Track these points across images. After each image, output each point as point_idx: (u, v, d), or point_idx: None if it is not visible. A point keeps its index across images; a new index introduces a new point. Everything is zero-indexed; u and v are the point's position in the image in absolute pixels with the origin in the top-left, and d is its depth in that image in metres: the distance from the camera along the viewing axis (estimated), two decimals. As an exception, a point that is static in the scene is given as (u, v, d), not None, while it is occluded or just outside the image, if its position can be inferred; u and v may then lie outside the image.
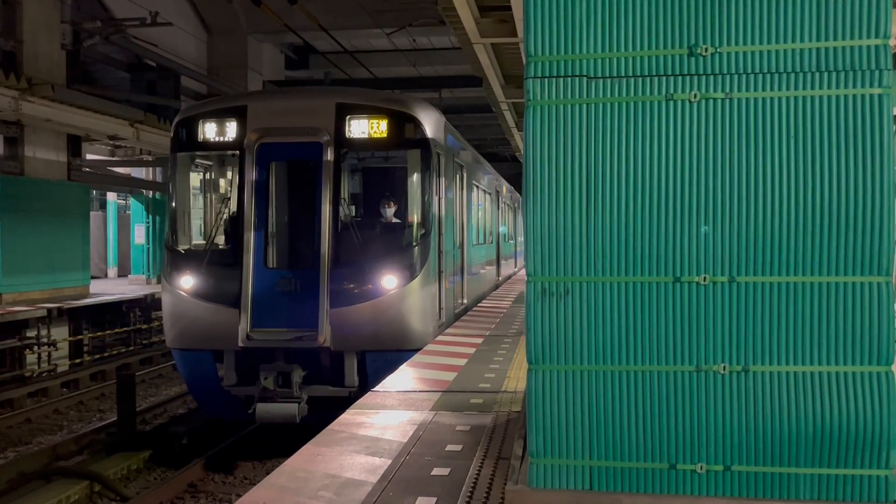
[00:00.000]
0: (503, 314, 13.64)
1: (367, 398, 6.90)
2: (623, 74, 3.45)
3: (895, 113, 3.59)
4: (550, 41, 3.47)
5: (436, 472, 4.79)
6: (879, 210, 3.30)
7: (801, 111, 3.36)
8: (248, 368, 9.79)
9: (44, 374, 15.33)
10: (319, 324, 9.48)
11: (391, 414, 6.32)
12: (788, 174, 3.35)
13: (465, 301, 13.64)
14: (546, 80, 3.48)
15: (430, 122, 10.48)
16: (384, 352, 9.73)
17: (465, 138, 16.99)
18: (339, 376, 9.80)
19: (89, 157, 21.57)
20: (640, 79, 3.44)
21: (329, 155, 9.85)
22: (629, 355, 3.44)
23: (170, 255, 10.40)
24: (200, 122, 10.32)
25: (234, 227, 10.12)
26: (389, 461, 5.02)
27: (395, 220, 10.86)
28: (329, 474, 4.77)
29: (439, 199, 10.82)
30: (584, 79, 3.46)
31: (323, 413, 7.65)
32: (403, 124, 10.12)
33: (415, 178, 10.45)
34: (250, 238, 9.75)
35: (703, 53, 3.40)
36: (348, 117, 9.98)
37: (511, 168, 37.78)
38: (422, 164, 10.32)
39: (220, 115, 10.31)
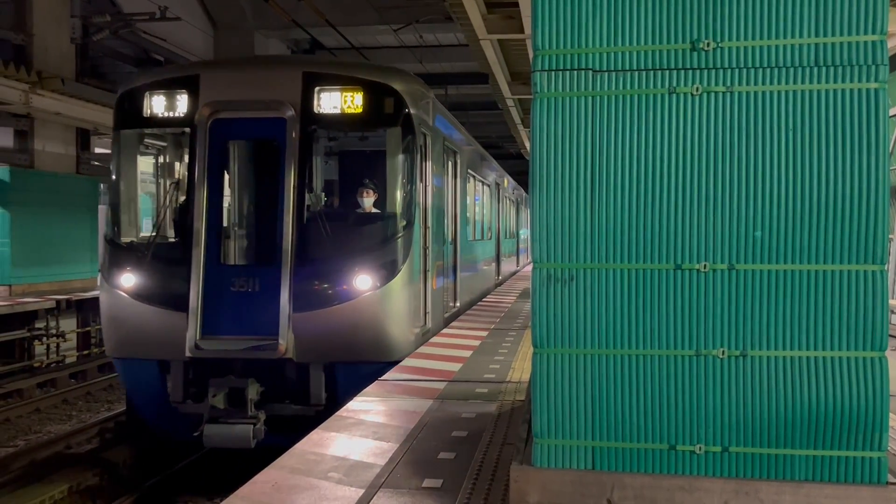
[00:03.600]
0: (507, 309, 13.76)
1: (375, 387, 7.03)
2: (627, 68, 3.55)
3: (891, 107, 3.70)
4: (557, 35, 3.58)
5: (442, 455, 4.92)
6: (874, 201, 3.40)
7: (799, 104, 3.46)
8: (198, 382, 8.45)
9: (52, 365, 15.50)
10: (280, 331, 8.15)
11: (398, 401, 6.44)
12: (787, 165, 3.46)
13: (457, 304, 12.37)
14: (552, 73, 3.59)
15: (415, 97, 9.06)
16: (357, 364, 8.37)
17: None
18: (304, 392, 8.44)
19: (98, 150, 21.73)
20: (644, 72, 3.55)
21: (294, 133, 8.46)
22: (631, 339, 3.55)
23: (109, 249, 8.94)
24: (146, 94, 8.84)
25: (183, 216, 8.70)
26: (397, 445, 5.14)
27: (375, 210, 9.37)
28: (338, 457, 4.90)
29: (425, 186, 9.52)
30: (590, 72, 3.57)
31: (284, 436, 6.70)
32: (382, 98, 8.69)
33: (395, 161, 8.91)
34: (201, 230, 8.42)
35: (705, 48, 3.51)
36: (317, 89, 8.59)
37: (517, 165, 37.88)
38: (403, 146, 8.84)
39: (168, 87, 8.85)
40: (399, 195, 8.86)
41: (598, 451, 3.59)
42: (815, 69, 3.45)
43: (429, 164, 9.67)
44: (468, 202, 13.92)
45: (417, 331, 9.21)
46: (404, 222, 8.77)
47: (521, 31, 12.41)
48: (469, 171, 13.99)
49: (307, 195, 8.71)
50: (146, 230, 9.76)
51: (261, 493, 4.27)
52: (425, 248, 9.44)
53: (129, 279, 8.62)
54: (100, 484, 9.01)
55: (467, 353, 8.80)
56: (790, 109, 3.47)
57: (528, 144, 25.00)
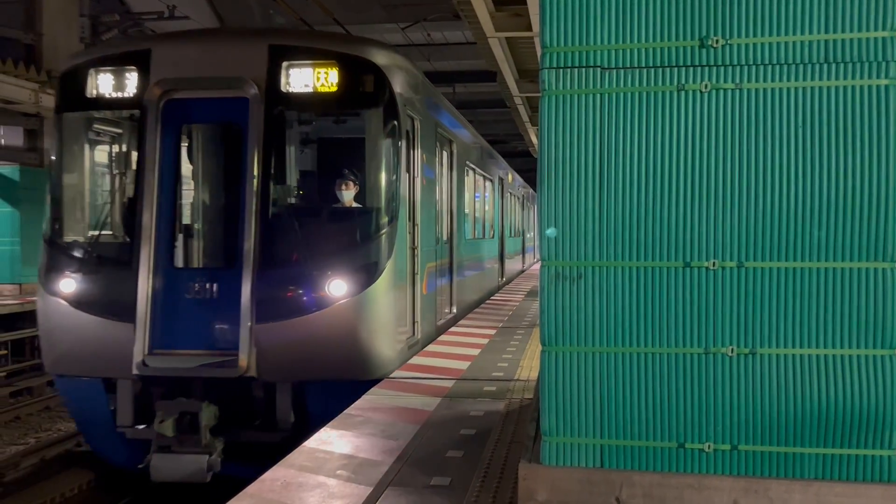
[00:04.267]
0: (515, 308, 13.75)
1: (384, 385, 7.03)
2: (636, 65, 3.54)
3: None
4: (565, 32, 3.57)
5: (450, 453, 4.92)
6: (885, 198, 3.38)
7: (809, 101, 3.44)
8: (148, 403, 7.38)
9: (62, 363, 15.55)
10: (241, 345, 7.06)
11: (406, 399, 6.45)
12: (796, 162, 3.44)
13: (453, 310, 11.33)
14: (561, 70, 3.58)
15: (400, 75, 7.93)
16: (331, 383, 7.32)
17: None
18: (269, 415, 7.40)
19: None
20: (653, 69, 3.54)
21: (258, 115, 7.37)
22: (640, 337, 3.54)
23: (48, 250, 7.79)
24: (91, 72, 7.75)
25: (131, 212, 7.63)
26: (405, 443, 5.15)
27: (355, 205, 8.27)
28: (346, 454, 4.91)
29: (413, 178, 8.44)
30: (598, 69, 3.56)
31: (247, 466, 6.06)
32: (360, 75, 7.57)
33: (376, 147, 7.80)
34: (151, 227, 7.34)
35: (714, 45, 3.49)
36: (285, 65, 7.49)
37: (524, 163, 37.85)
38: (386, 130, 7.72)
39: (115, 63, 7.75)
40: (380, 187, 7.72)
41: (606, 450, 3.58)
42: (826, 66, 3.43)
43: (417, 152, 8.64)
44: (466, 197, 13.01)
45: (403, 343, 8.14)
46: (387, 218, 7.63)
47: (529, 28, 12.41)
48: (468, 163, 13.01)
49: (273, 187, 7.65)
50: (94, 228, 8.29)
51: (269, 490, 4.27)
52: (413, 248, 8.45)
53: (68, 284, 7.48)
54: (110, 481, 9.04)
55: (475, 352, 8.80)
56: (800, 106, 3.45)
57: (536, 142, 24.98)
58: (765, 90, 3.46)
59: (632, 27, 3.54)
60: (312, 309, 7.24)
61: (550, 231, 3.56)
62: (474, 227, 14.19)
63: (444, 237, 10.74)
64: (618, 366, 3.56)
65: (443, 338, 9.87)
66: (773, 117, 3.45)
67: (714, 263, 3.50)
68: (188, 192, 8.50)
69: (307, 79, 7.52)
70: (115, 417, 7.45)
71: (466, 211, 13.00)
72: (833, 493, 3.40)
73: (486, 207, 16.10)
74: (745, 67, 3.47)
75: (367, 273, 7.39)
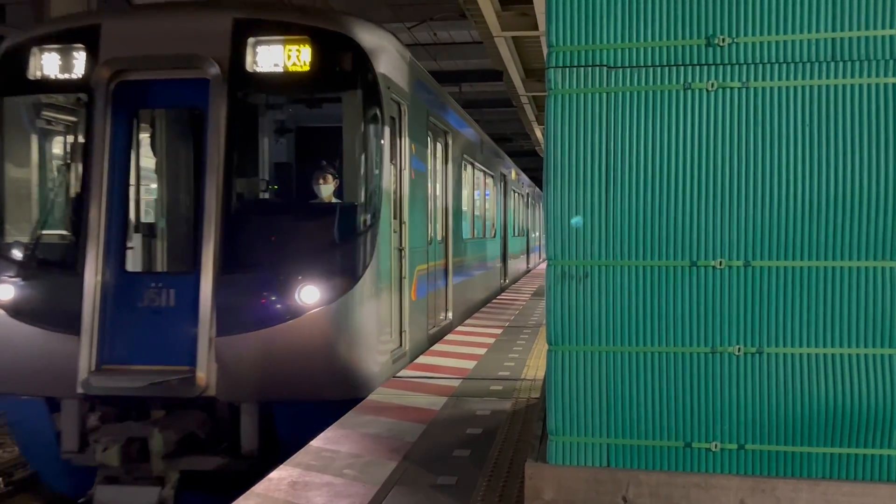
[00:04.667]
0: (522, 307, 13.75)
1: (390, 383, 7.03)
2: (642, 64, 3.54)
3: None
4: (572, 31, 3.57)
5: (457, 452, 4.93)
6: (892, 197, 3.36)
7: (816, 100, 3.44)
8: (97, 426, 6.53)
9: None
10: (199, 360, 6.25)
11: (412, 398, 6.45)
12: (803, 161, 3.43)
13: (448, 315, 10.59)
14: (567, 69, 3.58)
15: (383, 54, 7.06)
16: (303, 403, 6.52)
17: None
18: (233, 440, 6.55)
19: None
20: (659, 68, 3.53)
21: (220, 98, 6.53)
22: (646, 337, 3.54)
23: None
24: (34, 51, 6.92)
25: (79, 210, 6.75)
26: (412, 442, 5.15)
27: (335, 200, 7.34)
28: (353, 454, 4.91)
29: (399, 171, 7.66)
30: (604, 68, 3.55)
31: (207, 498, 5.85)
32: (337, 53, 6.71)
33: (354, 135, 6.94)
34: (99, 226, 6.53)
35: (721, 43, 3.48)
36: (252, 41, 6.62)
37: (530, 162, 37.84)
38: (366, 115, 6.84)
39: (60, 41, 6.92)
40: (359, 180, 6.87)
41: (613, 449, 3.58)
42: (832, 64, 3.42)
43: (405, 142, 7.80)
44: (465, 194, 12.25)
45: (388, 355, 7.30)
46: (367, 216, 6.79)
47: (536, 27, 12.42)
48: (466, 156, 12.12)
49: (238, 181, 6.86)
50: (37, 227, 7.33)
51: (276, 489, 4.28)
52: (400, 249, 7.71)
53: (6, 291, 6.66)
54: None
55: (482, 351, 8.80)
56: (806, 105, 3.44)
57: (542, 142, 24.97)
58: (772, 89, 3.45)
59: (638, 26, 3.54)
60: (281, 319, 6.40)
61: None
62: (473, 225, 13.51)
63: (439, 237, 10.11)
64: (625, 365, 3.55)
65: (449, 337, 9.87)
66: (780, 116, 3.44)
67: (721, 262, 3.49)
68: (142, 187, 7.62)
69: (277, 57, 6.65)
70: (59, 442, 6.59)
71: (465, 208, 12.35)
72: (840, 492, 3.39)
73: (488, 205, 15.39)
74: (752, 66, 3.46)
75: (344, 277, 6.56)
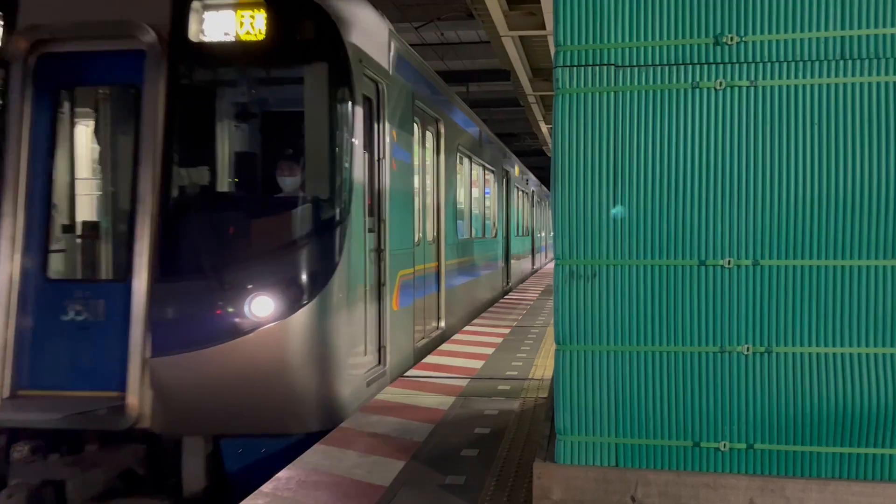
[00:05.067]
0: (530, 306, 13.74)
1: (398, 384, 7.04)
2: (650, 63, 3.54)
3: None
4: (579, 31, 3.57)
5: (465, 452, 4.93)
6: (902, 195, 3.36)
7: (825, 99, 3.43)
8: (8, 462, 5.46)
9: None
10: (130, 385, 5.29)
11: (420, 398, 6.45)
12: (812, 160, 3.42)
13: (441, 325, 9.60)
14: (575, 68, 3.58)
15: (355, 23, 6.06)
16: (256, 437, 5.56)
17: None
18: (173, 479, 5.55)
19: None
20: (667, 67, 3.53)
21: (158, 73, 5.59)
22: (655, 336, 3.54)
23: None
24: None
25: None
26: (420, 442, 5.15)
27: (296, 194, 5.91)
28: (361, 453, 4.92)
29: (377, 160, 6.70)
30: (612, 67, 3.55)
31: None
32: (298, 20, 5.73)
33: (317, 115, 5.87)
34: (14, 225, 5.60)
35: (729, 42, 3.48)
36: (196, 5, 5.67)
37: (537, 161, 37.83)
38: (332, 92, 5.82)
39: None
40: (323, 170, 5.79)
41: (621, 448, 3.58)
42: (841, 62, 3.41)
43: (384, 127, 6.82)
44: (460, 190, 11.19)
45: (361, 377, 6.28)
46: (334, 212, 5.77)
47: (543, 27, 12.42)
48: (462, 148, 11.08)
49: (178, 171, 5.78)
50: None
51: (285, 489, 4.29)
52: (378, 251, 6.76)
53: None
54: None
55: (489, 351, 8.80)
56: (815, 103, 3.43)
57: (549, 141, 24.95)
58: (780, 87, 3.45)
59: (646, 25, 3.53)
60: (229, 335, 5.37)
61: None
62: (471, 225, 12.44)
63: (430, 237, 9.13)
64: (633, 365, 3.55)
65: (457, 337, 9.87)
66: (789, 115, 3.44)
67: (729, 262, 3.49)
68: (65, 179, 6.26)
69: (226, 24, 5.69)
70: None
71: (461, 206, 11.31)
72: (850, 492, 3.38)
73: (488, 203, 14.35)
74: (760, 65, 3.46)
75: (305, 285, 5.55)
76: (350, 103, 5.89)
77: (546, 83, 18.07)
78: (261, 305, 5.41)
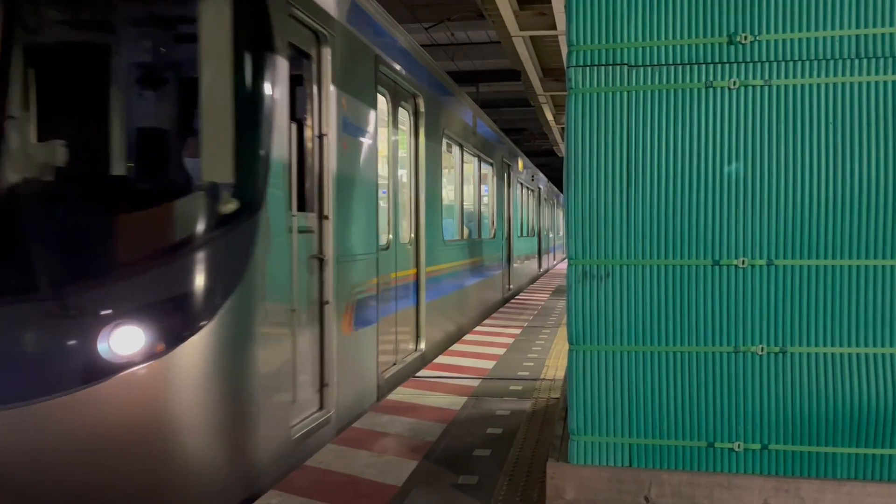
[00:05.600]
0: (541, 307, 13.73)
1: (409, 384, 7.05)
2: (663, 62, 3.53)
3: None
4: (592, 30, 3.56)
5: (477, 452, 4.93)
6: (918, 194, 3.34)
7: (839, 98, 3.41)
8: None
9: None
10: None
11: (432, 398, 6.46)
12: (827, 159, 3.41)
13: (420, 346, 8.06)
14: (588, 68, 3.58)
15: None
16: None
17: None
18: None
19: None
20: (681, 66, 3.52)
21: None
22: (668, 336, 3.53)
23: None
24: None
25: None
26: (432, 442, 5.16)
27: (190, 178, 4.32)
28: (374, 453, 4.93)
29: (314, 133, 5.16)
30: (626, 67, 3.55)
31: None
32: None
33: (217, 68, 4.13)
34: None
35: (743, 41, 3.47)
36: None
37: (548, 162, 37.77)
38: (238, 35, 4.14)
39: None
40: (223, 145, 4.11)
41: (635, 448, 3.57)
42: (856, 61, 3.40)
43: (329, 92, 5.24)
44: (447, 183, 9.63)
45: (284, 433, 4.66)
46: (238, 203, 4.19)
47: (554, 27, 12.39)
48: (449, 133, 9.28)
49: (6, 148, 4.16)
50: None
51: (298, 488, 4.30)
52: (319, 258, 5.23)
53: None
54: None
55: (501, 351, 8.79)
56: (830, 103, 3.42)
57: (560, 142, 24.88)
58: (794, 87, 3.44)
59: (659, 24, 3.53)
60: (76, 382, 3.76)
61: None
62: (462, 224, 10.79)
63: (405, 239, 7.64)
64: (646, 365, 3.55)
65: (468, 337, 9.85)
66: (803, 114, 3.42)
67: (743, 261, 3.48)
68: None
69: None
70: None
71: (449, 202, 9.71)
72: (865, 492, 3.37)
73: (485, 199, 12.82)
74: (775, 64, 3.44)
75: (191, 309, 3.91)
76: (268, 52, 4.31)
77: (557, 83, 18.04)
78: (124, 338, 3.79)
